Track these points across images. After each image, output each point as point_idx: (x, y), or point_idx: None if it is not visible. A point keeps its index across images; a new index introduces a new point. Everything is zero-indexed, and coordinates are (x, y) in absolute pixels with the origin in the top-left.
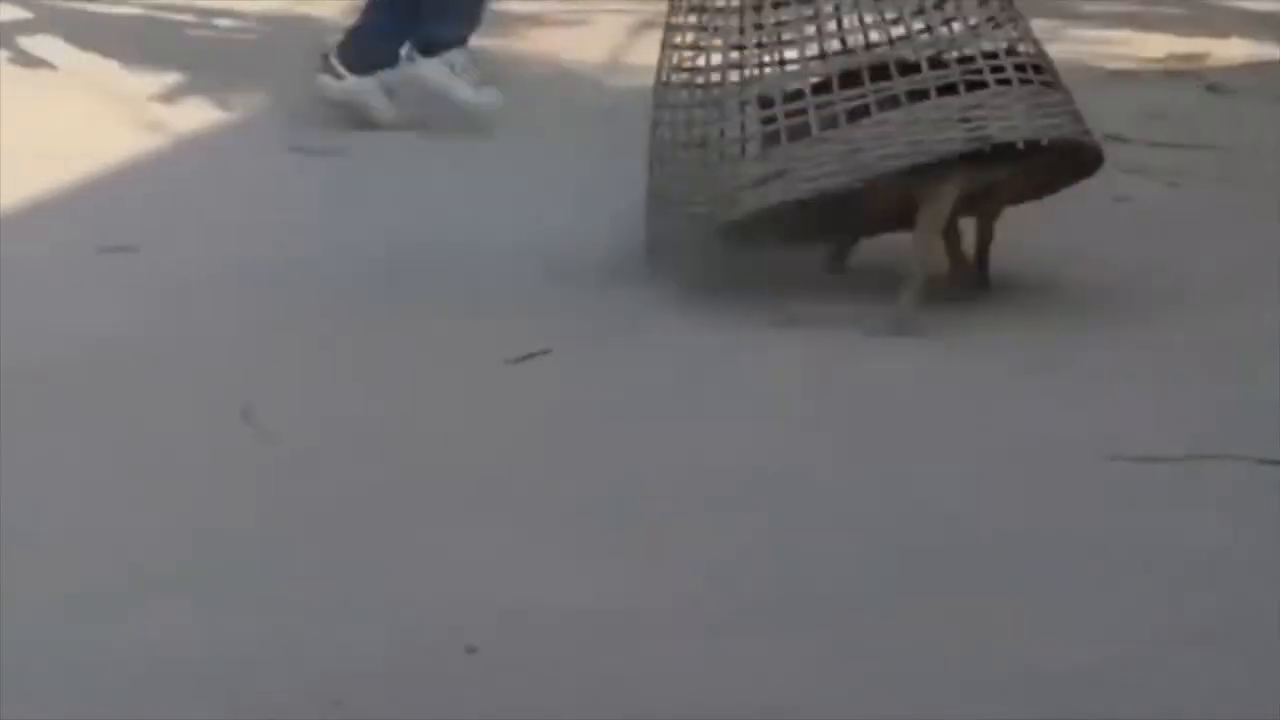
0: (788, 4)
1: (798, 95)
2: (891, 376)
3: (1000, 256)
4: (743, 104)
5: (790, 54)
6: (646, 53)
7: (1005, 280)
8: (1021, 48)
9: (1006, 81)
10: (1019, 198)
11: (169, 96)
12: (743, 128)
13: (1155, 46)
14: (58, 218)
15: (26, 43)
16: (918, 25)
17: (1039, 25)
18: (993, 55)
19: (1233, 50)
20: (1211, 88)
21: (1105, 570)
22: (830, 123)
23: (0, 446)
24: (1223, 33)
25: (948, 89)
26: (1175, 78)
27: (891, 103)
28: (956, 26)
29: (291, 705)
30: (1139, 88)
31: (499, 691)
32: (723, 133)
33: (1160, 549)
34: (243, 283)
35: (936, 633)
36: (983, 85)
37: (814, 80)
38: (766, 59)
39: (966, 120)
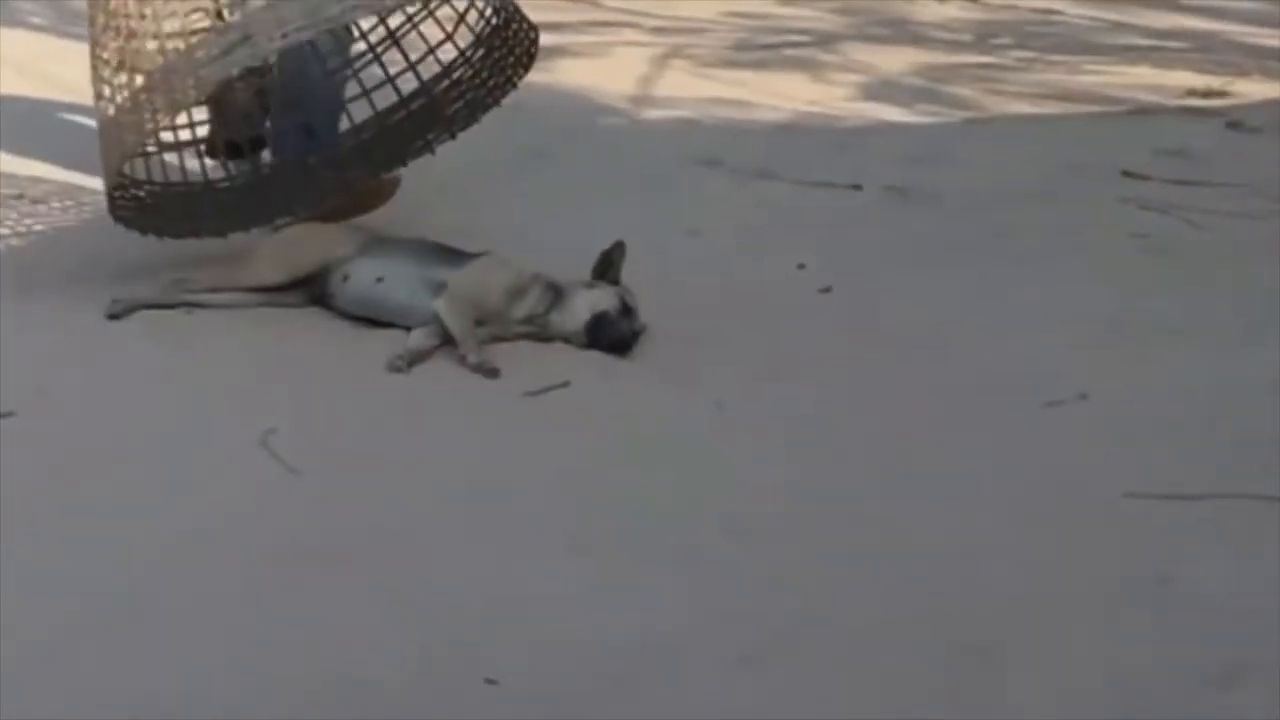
0: None
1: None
2: (902, 411)
3: (1018, 293)
4: None
5: None
6: (688, 84)
7: (1019, 317)
8: None
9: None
10: None
11: None
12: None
13: (1175, 83)
14: None
15: None
16: None
17: (1060, 61)
18: None
19: (1253, 87)
20: (1231, 125)
21: (1124, 609)
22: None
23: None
24: (1243, 70)
25: None
26: (1195, 115)
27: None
28: None
29: None
30: (1159, 125)
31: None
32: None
33: (1178, 587)
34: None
35: (955, 669)
36: None
37: None
38: None
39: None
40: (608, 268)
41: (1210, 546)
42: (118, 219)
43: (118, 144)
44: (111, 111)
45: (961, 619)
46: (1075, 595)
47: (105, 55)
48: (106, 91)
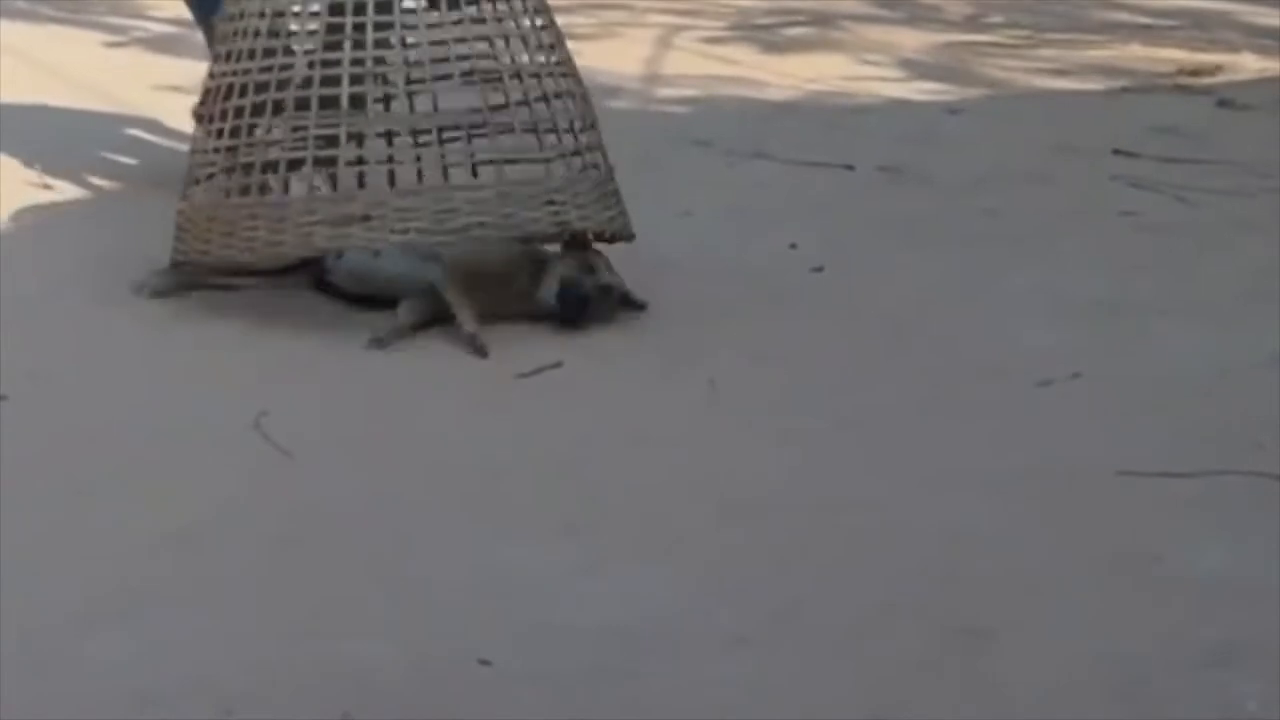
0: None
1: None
2: (894, 391)
3: (1011, 272)
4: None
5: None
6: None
7: (1012, 297)
8: (581, 128)
9: (580, 168)
10: None
11: None
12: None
13: (1167, 62)
14: None
15: None
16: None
17: (1053, 39)
18: (568, 131)
19: (1244, 65)
20: (1222, 103)
21: (1118, 588)
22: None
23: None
24: (1234, 48)
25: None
26: (1186, 93)
27: (486, 169)
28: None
29: (300, 715)
30: (1150, 103)
31: (512, 704)
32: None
33: (1171, 566)
34: None
35: (949, 649)
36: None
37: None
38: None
39: (551, 204)
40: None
41: (1204, 525)
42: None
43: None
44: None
45: (954, 599)
46: (1068, 575)
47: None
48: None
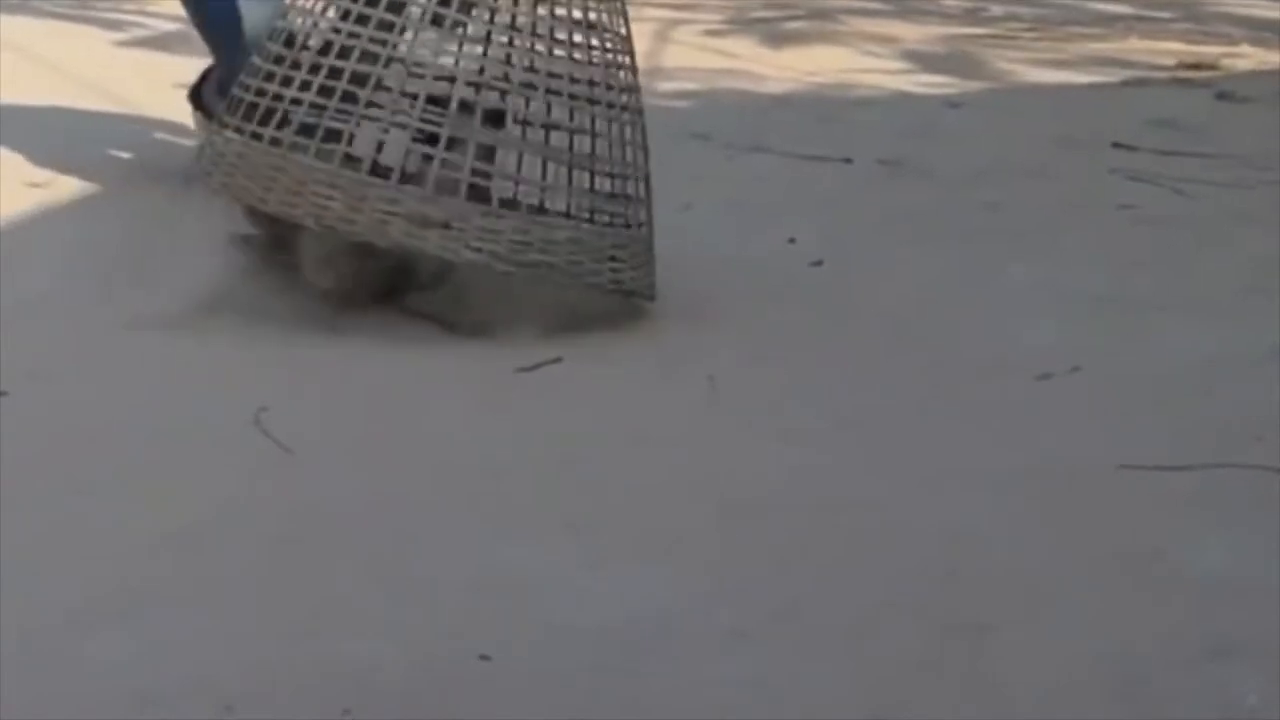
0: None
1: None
2: (894, 386)
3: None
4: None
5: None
6: (682, 57)
7: (1011, 291)
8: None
9: (636, 225)
10: None
11: None
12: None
13: (1165, 54)
14: None
15: None
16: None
17: (1052, 32)
18: (639, 188)
19: (1243, 58)
20: (1221, 96)
21: (1118, 583)
22: (511, 203)
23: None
24: (1233, 41)
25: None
26: (1185, 85)
27: (562, 211)
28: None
29: (300, 713)
30: (1149, 96)
31: (513, 701)
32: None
33: (1172, 561)
34: None
35: (948, 645)
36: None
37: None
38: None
39: (613, 259)
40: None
41: (1205, 520)
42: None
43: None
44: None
45: (955, 597)
46: (1069, 571)
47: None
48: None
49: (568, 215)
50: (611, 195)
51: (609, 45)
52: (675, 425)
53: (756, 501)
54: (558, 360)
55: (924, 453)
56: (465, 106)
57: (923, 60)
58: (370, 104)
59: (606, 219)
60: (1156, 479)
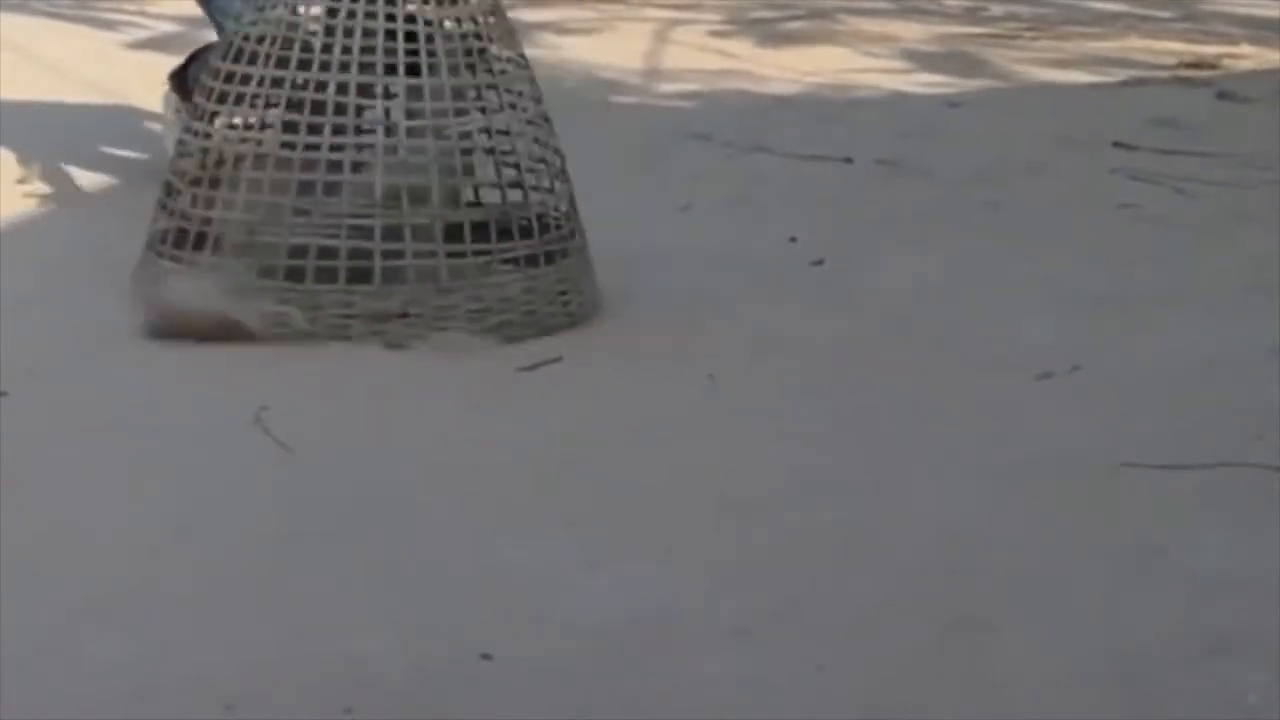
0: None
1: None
2: (894, 384)
3: (1011, 265)
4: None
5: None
6: (682, 57)
7: (1012, 290)
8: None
9: (566, 253)
10: None
11: None
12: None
13: (1165, 53)
14: None
15: None
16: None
17: (1052, 31)
18: (562, 213)
19: (1243, 57)
20: (1222, 95)
21: (1118, 581)
22: (459, 273)
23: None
24: (1233, 40)
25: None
26: (1185, 85)
27: (513, 262)
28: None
29: (301, 712)
30: (1149, 95)
31: (514, 699)
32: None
33: (1173, 558)
34: None
35: (949, 642)
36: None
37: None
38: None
39: (563, 294)
40: None
41: (1205, 517)
42: None
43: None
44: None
45: (955, 594)
46: (1069, 568)
47: None
48: None
49: (515, 262)
50: (546, 225)
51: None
52: (675, 424)
53: (757, 500)
54: (558, 359)
55: (925, 451)
56: (392, 194)
57: (922, 60)
58: (298, 210)
59: (550, 245)
60: (1157, 477)
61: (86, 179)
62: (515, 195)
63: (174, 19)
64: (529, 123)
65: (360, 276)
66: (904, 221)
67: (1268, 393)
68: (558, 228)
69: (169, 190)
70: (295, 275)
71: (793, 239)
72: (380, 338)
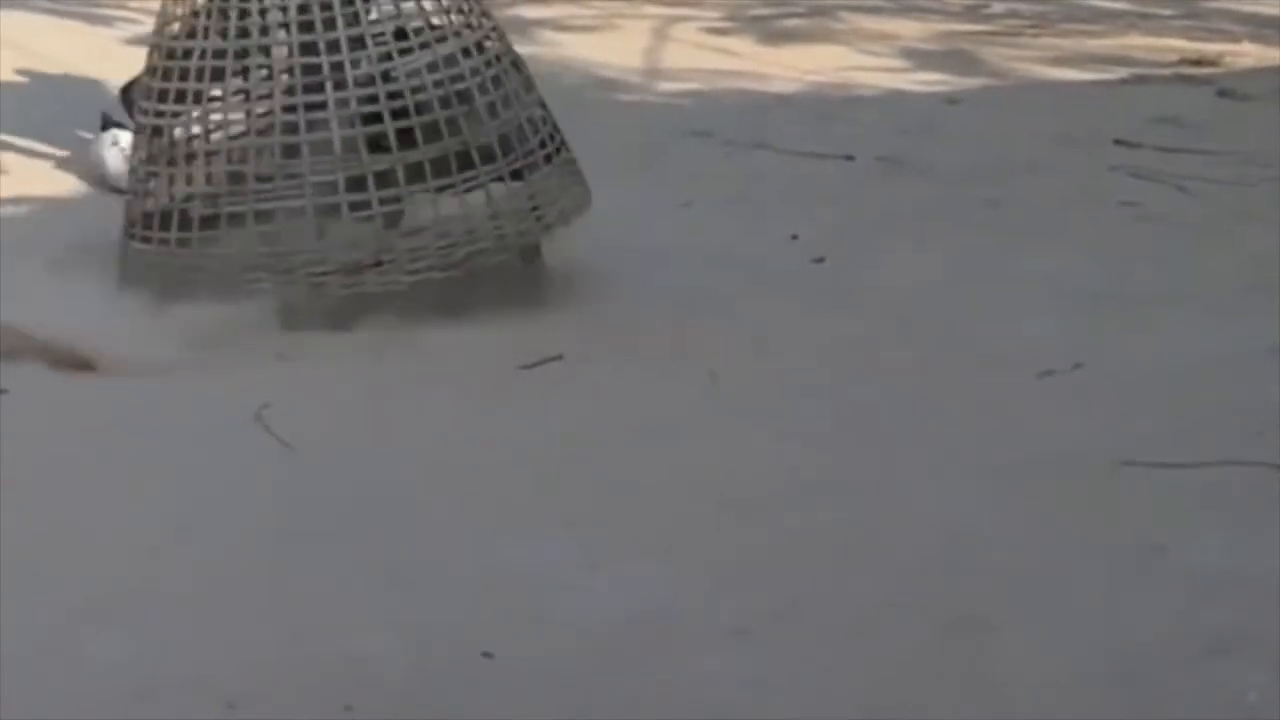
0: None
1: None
2: (895, 384)
3: (1012, 263)
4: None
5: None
6: (681, 55)
7: (1013, 287)
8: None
9: (549, 157)
10: None
11: None
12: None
13: (1167, 51)
14: None
15: None
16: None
17: (1053, 29)
18: (532, 124)
19: (1245, 55)
20: (1223, 93)
21: (1118, 580)
22: (423, 213)
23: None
24: (1235, 38)
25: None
26: (1187, 82)
27: (479, 189)
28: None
29: (301, 709)
30: (1151, 92)
31: (514, 698)
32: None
33: (1174, 557)
34: None
35: (950, 641)
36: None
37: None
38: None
39: (535, 209)
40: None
41: (1206, 515)
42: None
43: None
44: None
45: (956, 592)
46: (1070, 566)
47: None
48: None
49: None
50: (514, 152)
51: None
52: (676, 423)
53: (757, 499)
54: (559, 357)
55: (925, 450)
56: (350, 146)
57: (923, 57)
58: (260, 178)
59: (518, 162)
60: (1157, 476)
61: (86, 177)
62: (473, 124)
63: None
64: (474, 45)
65: (330, 233)
66: (905, 219)
67: (1268, 391)
68: (521, 143)
69: (136, 176)
70: (267, 239)
71: (794, 236)
72: (358, 288)
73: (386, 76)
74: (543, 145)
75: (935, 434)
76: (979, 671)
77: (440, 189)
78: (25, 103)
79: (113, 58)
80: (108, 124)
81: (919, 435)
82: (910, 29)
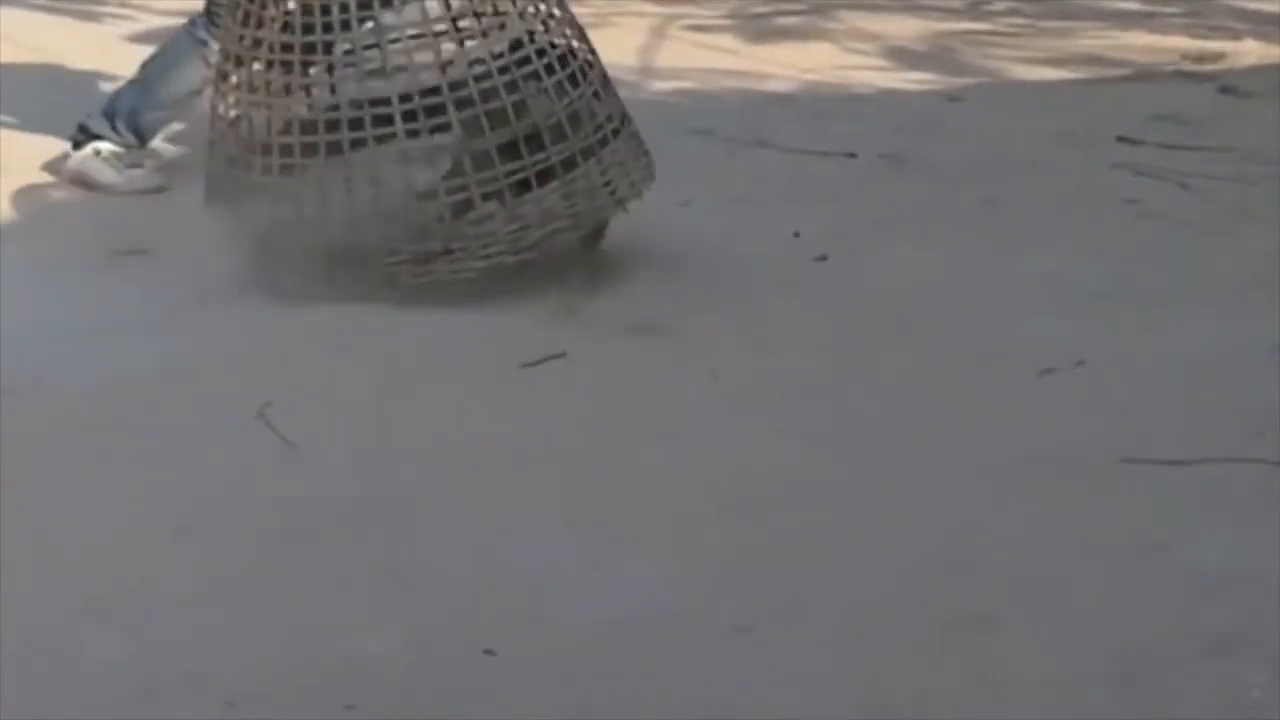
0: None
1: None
2: (895, 382)
3: (1013, 261)
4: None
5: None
6: (680, 53)
7: (1014, 285)
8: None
9: (616, 131)
10: None
11: None
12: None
13: (1169, 48)
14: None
15: None
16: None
17: (1054, 27)
18: (599, 99)
19: (1247, 52)
20: (1225, 90)
21: (1118, 579)
22: (494, 197)
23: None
24: (1236, 35)
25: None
26: (1189, 79)
27: (548, 174)
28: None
29: (302, 709)
30: (1152, 89)
31: (514, 697)
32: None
33: (1175, 555)
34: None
35: (950, 639)
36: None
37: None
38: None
39: (608, 184)
40: None
41: (1207, 513)
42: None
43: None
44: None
45: (957, 591)
46: (1071, 565)
47: None
48: None
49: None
50: (579, 123)
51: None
52: (678, 420)
53: (758, 497)
54: (561, 355)
55: (926, 448)
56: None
57: (923, 56)
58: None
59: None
60: (1158, 473)
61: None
62: (542, 105)
63: (168, 14)
64: (542, 24)
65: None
66: (906, 218)
67: (1269, 390)
68: (590, 118)
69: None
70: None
71: (796, 234)
72: (428, 278)
73: (450, 66)
74: (610, 119)
75: (935, 434)
76: (979, 671)
77: (509, 174)
78: (24, 101)
79: (112, 54)
80: (84, 137)
81: (918, 435)
82: (910, 27)
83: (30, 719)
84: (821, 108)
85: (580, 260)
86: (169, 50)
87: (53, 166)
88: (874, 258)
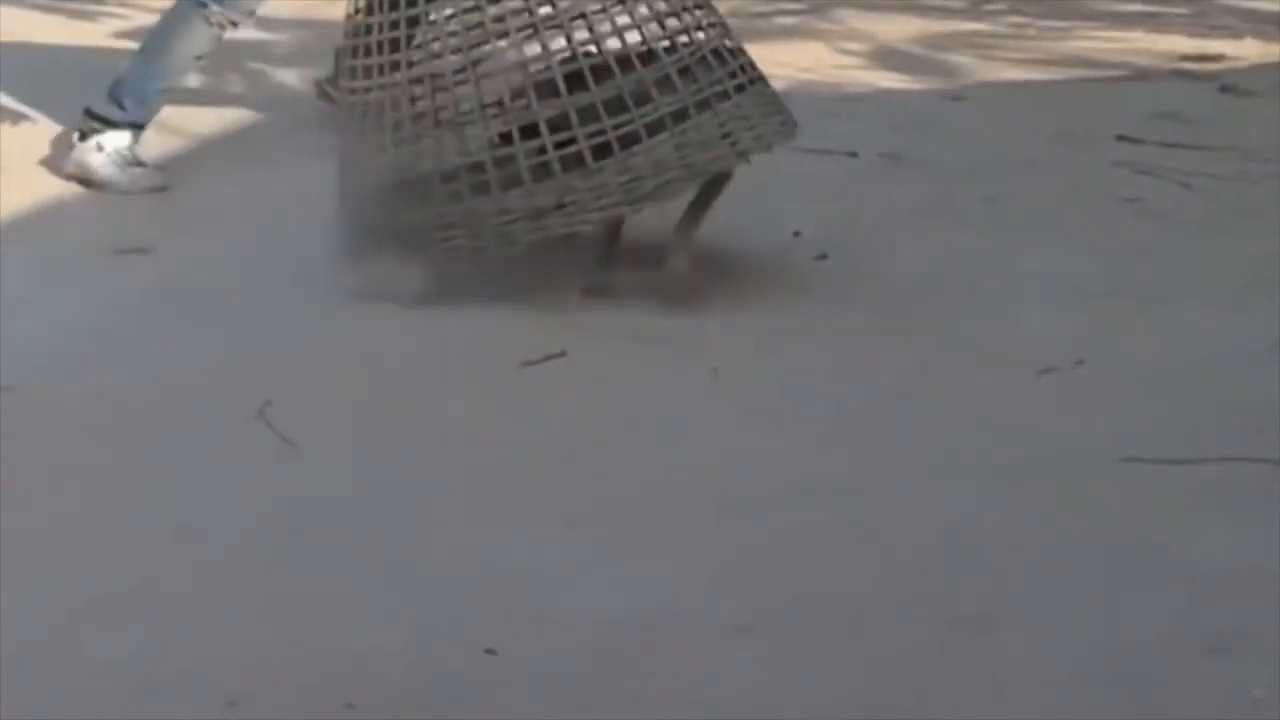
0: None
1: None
2: (895, 381)
3: (1014, 260)
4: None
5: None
6: None
7: (1015, 284)
8: (721, 38)
9: (740, 87)
10: None
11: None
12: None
13: (1169, 47)
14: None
15: None
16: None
17: (1055, 26)
18: (719, 57)
19: (1246, 51)
20: (1225, 89)
21: (1118, 579)
22: (604, 151)
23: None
24: (1236, 34)
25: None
26: (1189, 78)
27: (657, 126)
28: (673, 23)
29: (303, 708)
30: (1152, 88)
31: (514, 696)
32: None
33: (1176, 554)
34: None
35: (951, 638)
36: (724, 95)
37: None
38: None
39: (726, 135)
40: None
41: (1208, 512)
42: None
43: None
44: None
45: (957, 590)
46: (1071, 564)
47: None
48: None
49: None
50: (693, 77)
51: None
52: (678, 419)
53: (758, 496)
54: (562, 354)
55: (926, 446)
56: (518, 92)
57: (922, 54)
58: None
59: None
60: (1159, 472)
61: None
62: (650, 61)
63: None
64: None
65: (511, 182)
66: (909, 215)
67: (1270, 388)
68: (706, 73)
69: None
70: (453, 198)
71: (797, 233)
72: (542, 233)
73: (550, 21)
74: (733, 76)
75: (935, 433)
76: (979, 671)
77: (616, 128)
78: (24, 100)
79: (111, 52)
80: (90, 125)
81: (918, 435)
82: (909, 27)
83: (30, 719)
84: (820, 107)
85: (580, 260)
86: (169, 19)
87: (53, 165)
88: (875, 256)
